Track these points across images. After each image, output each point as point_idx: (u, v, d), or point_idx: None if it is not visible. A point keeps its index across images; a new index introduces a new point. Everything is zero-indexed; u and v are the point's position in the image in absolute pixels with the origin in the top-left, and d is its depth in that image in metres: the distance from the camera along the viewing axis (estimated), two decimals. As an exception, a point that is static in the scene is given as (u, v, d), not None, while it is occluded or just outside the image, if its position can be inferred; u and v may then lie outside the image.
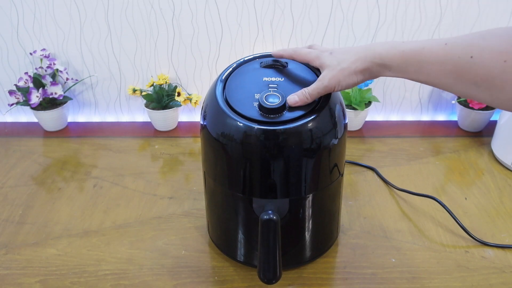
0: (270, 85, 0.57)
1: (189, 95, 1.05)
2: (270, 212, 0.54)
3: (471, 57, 0.41)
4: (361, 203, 0.80)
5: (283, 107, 0.54)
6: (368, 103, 1.02)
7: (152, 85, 1.03)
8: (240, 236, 0.64)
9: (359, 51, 0.52)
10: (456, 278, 0.64)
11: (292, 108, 0.54)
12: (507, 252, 0.68)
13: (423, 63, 0.45)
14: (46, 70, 1.01)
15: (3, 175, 0.89)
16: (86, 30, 1.00)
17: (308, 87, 0.54)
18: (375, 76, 0.52)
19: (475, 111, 0.98)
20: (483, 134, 1.01)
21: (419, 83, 1.05)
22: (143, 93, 1.04)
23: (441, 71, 0.44)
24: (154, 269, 0.66)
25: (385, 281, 0.64)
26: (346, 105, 0.97)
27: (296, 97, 0.54)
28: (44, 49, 1.02)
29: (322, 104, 0.56)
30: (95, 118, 1.13)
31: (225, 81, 0.59)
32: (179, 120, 1.09)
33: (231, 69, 0.61)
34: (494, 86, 0.40)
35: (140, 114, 1.12)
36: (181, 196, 0.82)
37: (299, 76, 0.59)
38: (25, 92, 1.00)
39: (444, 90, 0.46)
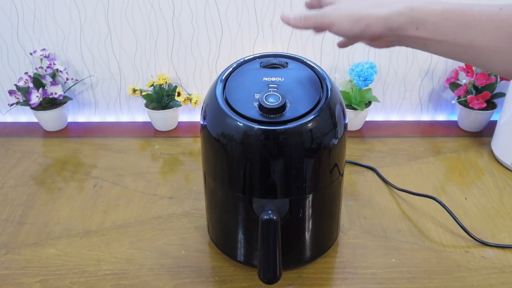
0: (270, 85, 0.57)
1: (189, 95, 1.05)
2: (270, 212, 0.54)
3: None
4: (361, 203, 0.80)
5: (283, 107, 0.54)
6: (368, 103, 1.02)
7: (152, 85, 1.03)
8: (240, 236, 0.64)
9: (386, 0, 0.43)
10: (456, 278, 0.64)
11: (292, 108, 0.55)
12: (507, 252, 0.68)
13: (470, 22, 0.39)
14: (46, 70, 1.01)
15: (3, 175, 0.89)
16: (86, 30, 1.00)
17: (310, 11, 0.48)
18: (396, 33, 0.43)
19: (475, 111, 0.98)
20: (483, 134, 1.01)
21: (418, 85, 1.05)
22: (143, 93, 1.04)
23: (494, 32, 0.38)
24: (154, 269, 0.66)
25: (385, 281, 0.64)
26: (346, 105, 0.97)
27: (291, 15, 0.48)
28: (44, 49, 1.02)
29: (322, 104, 0.56)
30: (95, 118, 1.13)
31: (225, 81, 0.59)
32: (179, 120, 1.09)
33: (231, 69, 0.61)
34: None
35: (140, 114, 1.12)
36: (181, 196, 0.82)
37: (299, 76, 0.59)
38: (25, 92, 1.00)
39: (483, 59, 0.40)
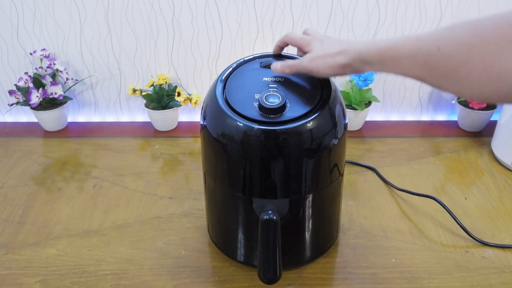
0: (270, 85, 0.57)
1: (189, 95, 1.05)
2: (270, 212, 0.54)
3: (438, 49, 0.42)
4: (361, 203, 0.80)
5: (283, 107, 0.54)
6: (368, 103, 1.02)
7: (152, 85, 1.03)
8: (240, 236, 0.64)
9: (344, 45, 0.54)
10: (456, 278, 0.64)
11: (292, 108, 0.55)
12: (507, 252, 0.68)
13: (397, 58, 0.47)
14: (46, 70, 1.01)
15: (3, 175, 0.89)
16: (86, 30, 1.00)
17: (292, 61, 0.58)
18: (357, 71, 0.54)
19: (475, 111, 0.98)
20: (483, 134, 1.01)
21: (418, 83, 1.05)
22: (143, 93, 1.04)
23: (414, 64, 0.45)
24: (154, 269, 0.66)
25: (385, 281, 0.64)
26: (346, 105, 0.96)
27: (279, 65, 0.58)
28: (44, 49, 1.02)
29: (322, 104, 0.56)
30: (95, 118, 1.13)
31: (225, 81, 0.59)
32: (179, 120, 1.09)
33: (231, 69, 0.61)
34: (460, 77, 0.41)
35: (140, 114, 1.12)
36: (181, 196, 0.82)
37: (299, 76, 0.59)
38: (25, 92, 1.00)
39: (417, 81, 0.48)
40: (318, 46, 0.57)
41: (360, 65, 0.52)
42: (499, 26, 0.38)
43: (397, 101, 1.08)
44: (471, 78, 0.40)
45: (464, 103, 1.00)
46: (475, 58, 0.39)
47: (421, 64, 0.44)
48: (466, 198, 0.80)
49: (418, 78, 0.46)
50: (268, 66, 0.60)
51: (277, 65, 0.58)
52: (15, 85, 1.01)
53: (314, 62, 0.56)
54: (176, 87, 1.04)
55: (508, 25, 0.38)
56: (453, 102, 1.06)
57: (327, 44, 0.56)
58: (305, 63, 0.56)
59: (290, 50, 0.63)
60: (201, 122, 0.60)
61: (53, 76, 1.03)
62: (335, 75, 0.55)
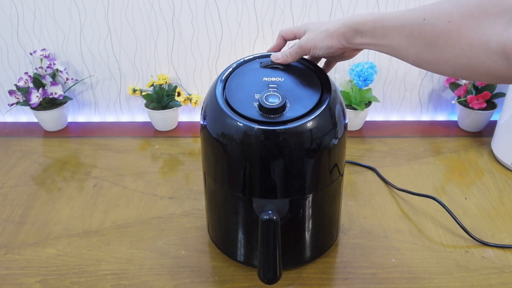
0: (270, 85, 0.57)
1: (189, 95, 1.05)
2: (270, 212, 0.54)
3: (424, 19, 0.45)
4: (361, 203, 0.80)
5: (283, 107, 0.54)
6: (368, 103, 1.02)
7: (152, 85, 1.03)
8: (240, 236, 0.64)
9: (341, 19, 0.55)
10: (456, 278, 0.64)
11: (292, 108, 0.55)
12: (507, 252, 0.68)
13: (387, 27, 0.49)
14: (46, 70, 1.01)
15: (3, 175, 0.89)
16: (86, 30, 1.01)
17: (290, 50, 0.59)
18: (350, 42, 0.54)
19: (475, 111, 0.98)
20: (483, 134, 1.01)
21: (418, 85, 1.05)
22: (143, 93, 1.04)
23: (400, 34, 0.48)
24: (154, 269, 0.66)
25: (385, 281, 0.64)
26: (346, 105, 0.97)
27: (279, 55, 0.59)
28: (44, 49, 1.02)
29: (322, 104, 0.56)
30: (95, 118, 1.13)
31: (225, 81, 0.59)
32: (179, 120, 1.09)
33: (231, 69, 0.61)
34: (438, 46, 0.44)
35: (140, 114, 1.12)
36: (181, 196, 0.82)
37: (299, 76, 0.59)
38: (25, 92, 1.00)
39: (400, 56, 0.49)
40: (314, 25, 0.58)
41: (353, 35, 0.53)
42: (480, 1, 0.40)
43: (397, 101, 1.08)
44: (447, 48, 0.43)
45: (464, 103, 1.00)
46: (453, 28, 0.42)
47: (407, 34, 0.47)
48: (466, 198, 0.80)
49: (400, 50, 0.48)
50: (268, 66, 0.60)
51: (277, 55, 0.59)
52: (15, 85, 1.01)
53: (311, 39, 0.56)
54: (176, 87, 1.04)
55: (487, 2, 0.40)
56: (453, 102, 1.06)
57: (323, 22, 0.57)
58: (302, 42, 0.57)
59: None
60: (201, 122, 0.60)
61: (53, 76, 1.03)
62: (331, 48, 0.55)
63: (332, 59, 0.63)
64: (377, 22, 0.50)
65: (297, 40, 0.60)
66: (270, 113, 0.54)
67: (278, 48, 0.63)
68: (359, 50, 0.58)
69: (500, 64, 0.39)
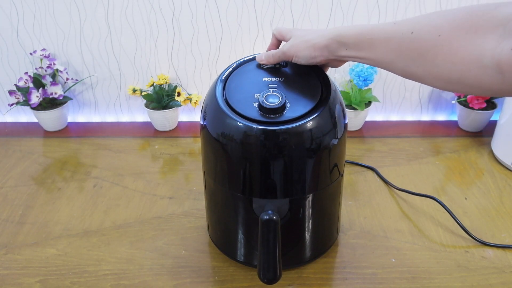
0: (270, 85, 0.57)
1: (189, 95, 1.05)
2: (270, 212, 0.54)
3: (412, 32, 0.44)
4: (361, 203, 0.80)
5: (283, 107, 0.54)
6: (368, 103, 1.02)
7: (152, 85, 1.03)
8: (240, 236, 0.64)
9: (325, 30, 0.55)
10: (456, 278, 0.64)
11: (292, 108, 0.55)
12: (507, 252, 0.68)
13: (373, 40, 0.48)
14: (46, 70, 1.01)
15: (3, 175, 0.89)
16: (86, 30, 1.01)
17: (274, 50, 0.59)
18: (334, 54, 0.54)
19: (475, 111, 0.98)
20: (483, 134, 1.01)
21: (418, 85, 1.05)
22: (143, 93, 1.04)
23: (387, 47, 0.47)
24: (154, 269, 0.66)
25: (385, 281, 0.64)
26: (346, 105, 0.97)
27: (263, 56, 0.60)
28: (44, 49, 1.02)
29: (322, 104, 0.56)
30: (95, 118, 1.13)
31: (225, 81, 0.59)
32: (179, 120, 1.09)
33: (231, 69, 0.61)
34: (427, 60, 0.43)
35: (140, 114, 1.12)
36: (181, 196, 0.82)
37: (299, 76, 0.59)
38: (25, 92, 1.00)
39: (387, 69, 0.49)
40: (299, 32, 0.58)
41: (337, 47, 0.52)
42: (471, 15, 0.40)
43: (397, 101, 1.08)
44: (437, 62, 0.42)
45: (464, 103, 1.00)
46: (443, 42, 0.41)
47: (394, 48, 0.46)
48: (466, 198, 0.80)
49: (388, 63, 0.47)
50: (268, 66, 0.60)
51: (261, 56, 0.60)
52: (15, 85, 1.01)
53: (293, 47, 0.56)
54: (176, 87, 1.04)
55: (478, 16, 0.39)
56: (453, 102, 1.06)
57: (309, 31, 0.57)
58: (285, 49, 0.57)
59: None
60: (201, 122, 0.60)
61: (53, 76, 1.03)
62: (313, 58, 0.55)
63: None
64: (362, 35, 0.50)
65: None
66: (270, 113, 0.54)
67: (273, 47, 0.63)
68: (344, 61, 0.58)
69: (494, 78, 0.38)
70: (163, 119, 1.04)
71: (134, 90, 1.05)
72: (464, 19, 0.40)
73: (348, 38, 0.51)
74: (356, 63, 0.99)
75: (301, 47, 0.56)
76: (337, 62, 0.58)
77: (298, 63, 0.58)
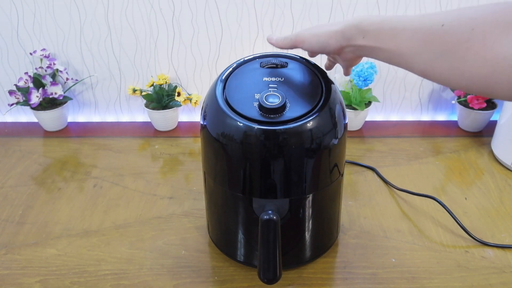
0: (270, 85, 0.57)
1: (189, 95, 1.05)
2: (270, 212, 0.54)
3: (443, 25, 0.41)
4: (361, 203, 0.80)
5: (283, 107, 0.54)
6: (368, 103, 1.02)
7: (152, 85, 1.03)
8: (240, 236, 0.64)
9: (345, 19, 0.54)
10: (456, 278, 0.64)
11: (292, 108, 0.55)
12: (507, 252, 0.68)
13: (397, 29, 0.46)
14: (46, 70, 1.01)
15: (3, 175, 0.89)
16: (86, 30, 1.01)
17: (286, 35, 0.59)
18: (349, 43, 0.51)
19: (475, 111, 0.98)
20: (483, 134, 1.01)
21: (418, 85, 1.05)
22: (143, 93, 1.04)
23: (412, 38, 0.44)
24: (154, 269, 0.66)
25: (385, 281, 0.64)
26: (346, 105, 0.96)
27: (274, 37, 0.60)
28: (44, 49, 1.02)
29: (322, 104, 0.56)
30: (95, 118, 1.13)
31: (225, 81, 0.59)
32: (179, 120, 1.09)
33: (231, 69, 0.61)
34: (457, 54, 0.40)
35: (140, 114, 1.12)
36: (181, 196, 0.82)
37: (299, 76, 0.59)
38: (25, 92, 1.00)
39: (406, 64, 0.46)
40: (318, 25, 0.57)
41: (354, 34, 0.50)
42: (508, 11, 0.37)
43: (397, 101, 1.08)
44: (468, 57, 0.40)
45: (464, 103, 1.00)
46: (477, 37, 0.39)
47: (419, 38, 0.43)
48: (466, 198, 0.80)
49: (410, 55, 0.45)
50: (268, 66, 0.60)
51: (272, 37, 0.60)
52: (15, 85, 1.01)
53: (307, 30, 0.55)
54: (176, 87, 1.04)
55: None
56: (453, 102, 1.06)
57: (326, 23, 0.56)
58: (298, 32, 0.56)
59: (290, 50, 0.62)
60: (201, 122, 0.60)
61: (53, 76, 1.03)
62: (326, 47, 0.53)
63: (334, 61, 0.62)
64: (384, 23, 0.47)
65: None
66: (270, 113, 0.54)
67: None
68: (359, 56, 0.55)
69: None
70: (163, 119, 1.04)
71: (134, 90, 1.05)
72: (500, 13, 0.38)
73: (369, 24, 0.48)
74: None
75: (315, 32, 0.54)
76: (352, 56, 0.55)
77: (310, 51, 0.56)
